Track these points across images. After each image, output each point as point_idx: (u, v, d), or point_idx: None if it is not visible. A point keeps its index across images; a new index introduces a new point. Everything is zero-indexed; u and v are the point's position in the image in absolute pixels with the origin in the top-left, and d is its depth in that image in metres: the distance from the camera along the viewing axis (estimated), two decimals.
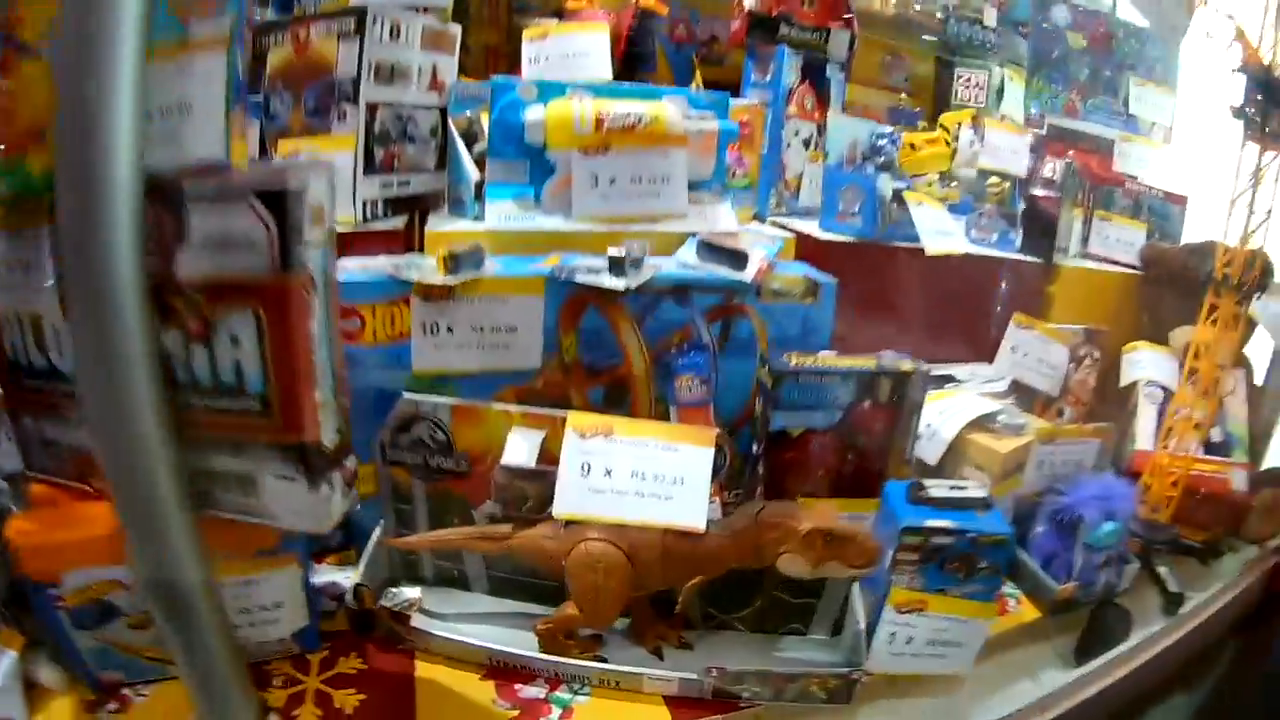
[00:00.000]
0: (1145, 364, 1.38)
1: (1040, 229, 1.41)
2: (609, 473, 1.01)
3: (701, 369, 1.10)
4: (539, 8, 1.53)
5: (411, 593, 1.12)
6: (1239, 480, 1.29)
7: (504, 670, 1.06)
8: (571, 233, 1.14)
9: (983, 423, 1.21)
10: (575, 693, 1.04)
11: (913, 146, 1.39)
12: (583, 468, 1.02)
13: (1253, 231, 1.16)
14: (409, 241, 1.24)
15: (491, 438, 1.07)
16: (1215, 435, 1.32)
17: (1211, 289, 1.20)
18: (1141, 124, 1.66)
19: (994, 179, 1.43)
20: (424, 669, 1.06)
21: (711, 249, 1.11)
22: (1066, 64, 1.59)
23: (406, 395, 1.08)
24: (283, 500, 0.80)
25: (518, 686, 1.04)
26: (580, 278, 1.07)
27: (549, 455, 1.05)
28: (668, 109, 1.16)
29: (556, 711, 1.01)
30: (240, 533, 0.89)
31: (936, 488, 1.06)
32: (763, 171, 1.29)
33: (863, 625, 1.06)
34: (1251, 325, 1.34)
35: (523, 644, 1.06)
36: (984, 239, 1.40)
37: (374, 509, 1.15)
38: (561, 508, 1.01)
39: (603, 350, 1.12)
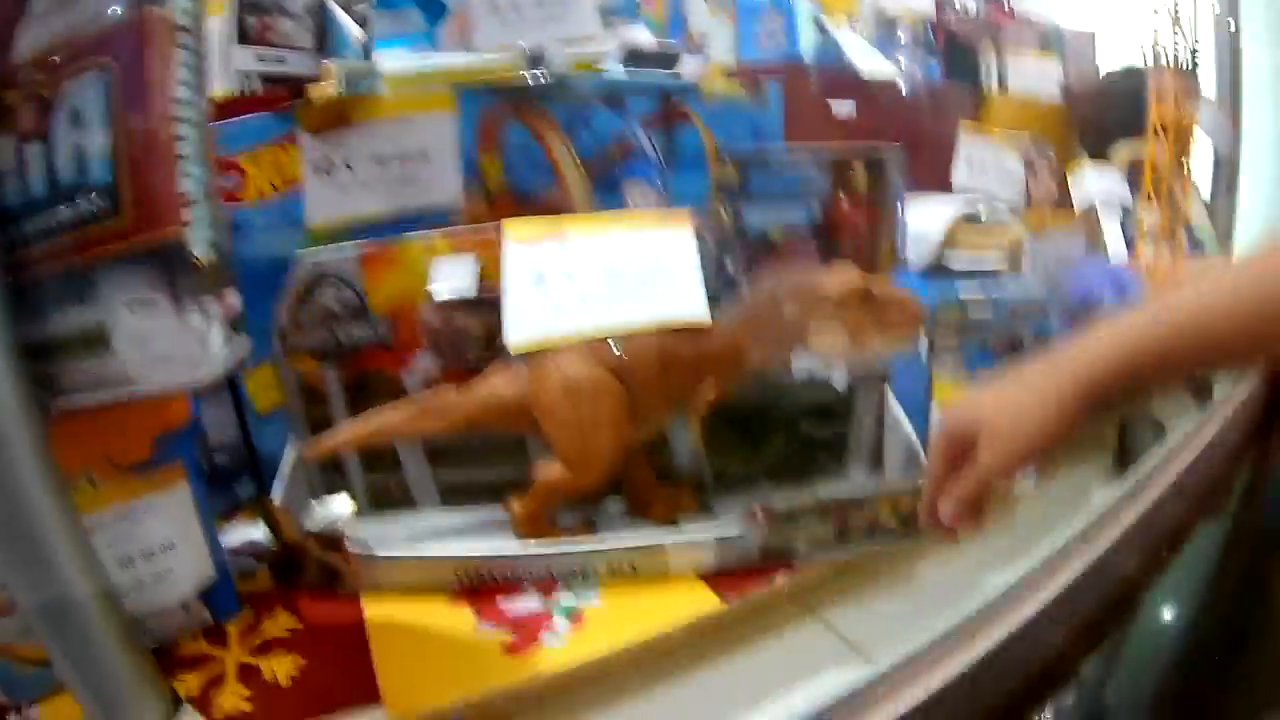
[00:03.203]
0: (1094, 180, 1.20)
1: (962, 58, 1.24)
2: (570, 278, 0.71)
3: (652, 177, 0.84)
4: None
5: (339, 506, 0.76)
6: None
7: (479, 588, 0.73)
8: (477, 67, 0.88)
9: (968, 220, 0.97)
10: (580, 593, 0.72)
11: None
12: (536, 279, 0.72)
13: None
14: None
15: (415, 286, 0.80)
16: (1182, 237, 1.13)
17: (1154, 72, 1.03)
18: None
19: (904, 11, 1.25)
20: (375, 610, 0.72)
21: (636, 54, 0.87)
22: None
23: (301, 254, 0.79)
24: (142, 343, 0.57)
25: (503, 603, 0.71)
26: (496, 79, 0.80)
27: (486, 287, 0.76)
28: None
29: (562, 623, 0.69)
30: (98, 441, 0.64)
31: (956, 260, 0.81)
32: (671, 20, 1.08)
33: (913, 436, 0.78)
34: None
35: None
36: (908, 72, 1.22)
37: (283, 431, 0.83)
38: (517, 335, 0.72)
39: (532, 172, 0.86)
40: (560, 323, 0.72)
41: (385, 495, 0.84)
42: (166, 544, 0.67)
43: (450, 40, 0.92)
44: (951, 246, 0.98)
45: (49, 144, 0.55)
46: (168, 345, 0.57)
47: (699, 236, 0.76)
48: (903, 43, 1.24)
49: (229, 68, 0.91)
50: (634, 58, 0.87)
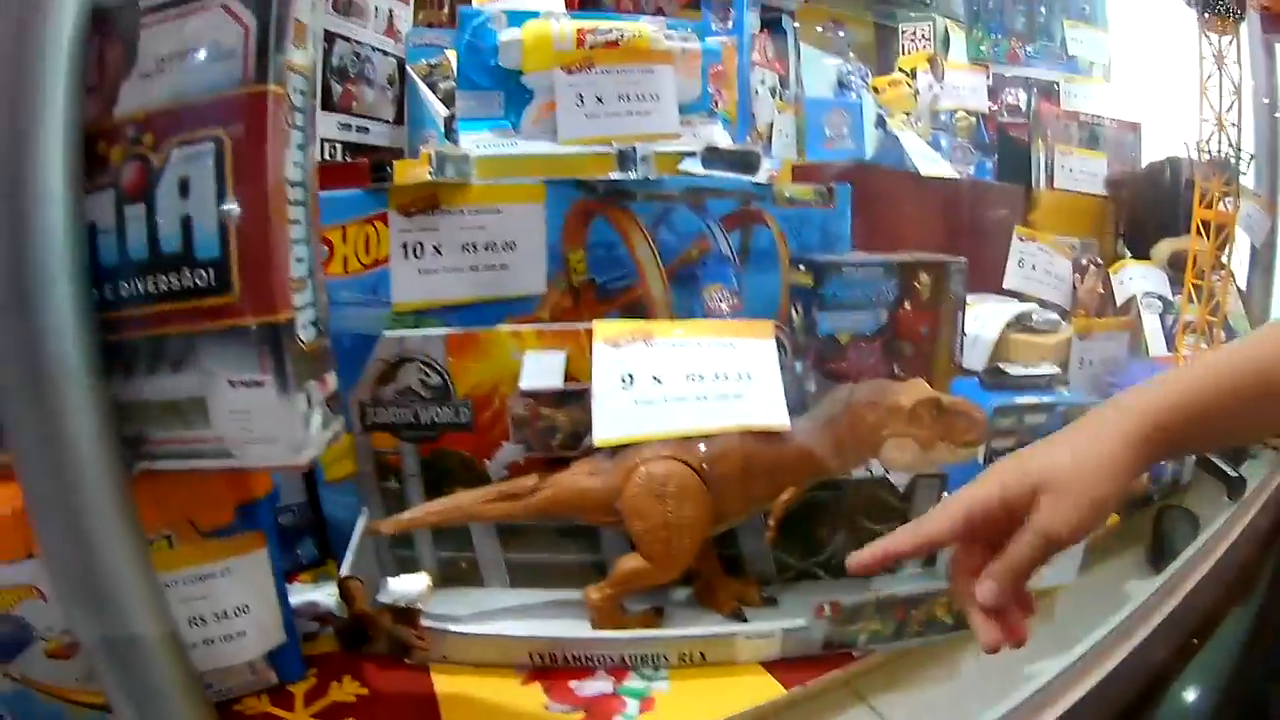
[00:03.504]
0: (1136, 278, 1.27)
1: (1014, 156, 1.31)
2: (658, 380, 0.77)
3: (729, 279, 0.89)
4: None
5: (416, 583, 0.80)
6: None
7: (550, 668, 0.77)
8: (560, 156, 0.94)
9: (1019, 322, 1.04)
10: (650, 678, 0.77)
11: (876, 90, 1.28)
12: (624, 379, 0.77)
13: (1228, 110, 1.07)
14: None
15: (500, 373, 0.83)
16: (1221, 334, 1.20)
17: (1199, 174, 1.09)
18: (1081, 64, 1.65)
19: (960, 113, 1.33)
20: (445, 682, 0.76)
21: (718, 154, 0.93)
22: (1002, 13, 1.55)
23: (388, 334, 0.83)
24: (242, 421, 0.57)
25: (573, 684, 0.76)
26: (586, 177, 0.85)
27: (572, 381, 0.81)
28: (648, 26, 0.99)
29: (633, 705, 0.73)
30: (181, 503, 0.67)
31: (1012, 368, 0.87)
32: (739, 115, 1.15)
33: None
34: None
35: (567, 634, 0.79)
36: (963, 171, 1.29)
37: (353, 501, 0.87)
38: (604, 431, 0.77)
39: (614, 269, 0.91)
40: (647, 422, 0.76)
41: (453, 571, 0.87)
42: (240, 607, 0.70)
43: (533, 126, 0.97)
44: (1004, 349, 1.04)
45: (152, 208, 0.56)
46: (271, 426, 0.58)
47: (778, 343, 0.81)
48: (958, 140, 1.31)
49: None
50: (715, 158, 0.92)
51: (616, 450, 0.77)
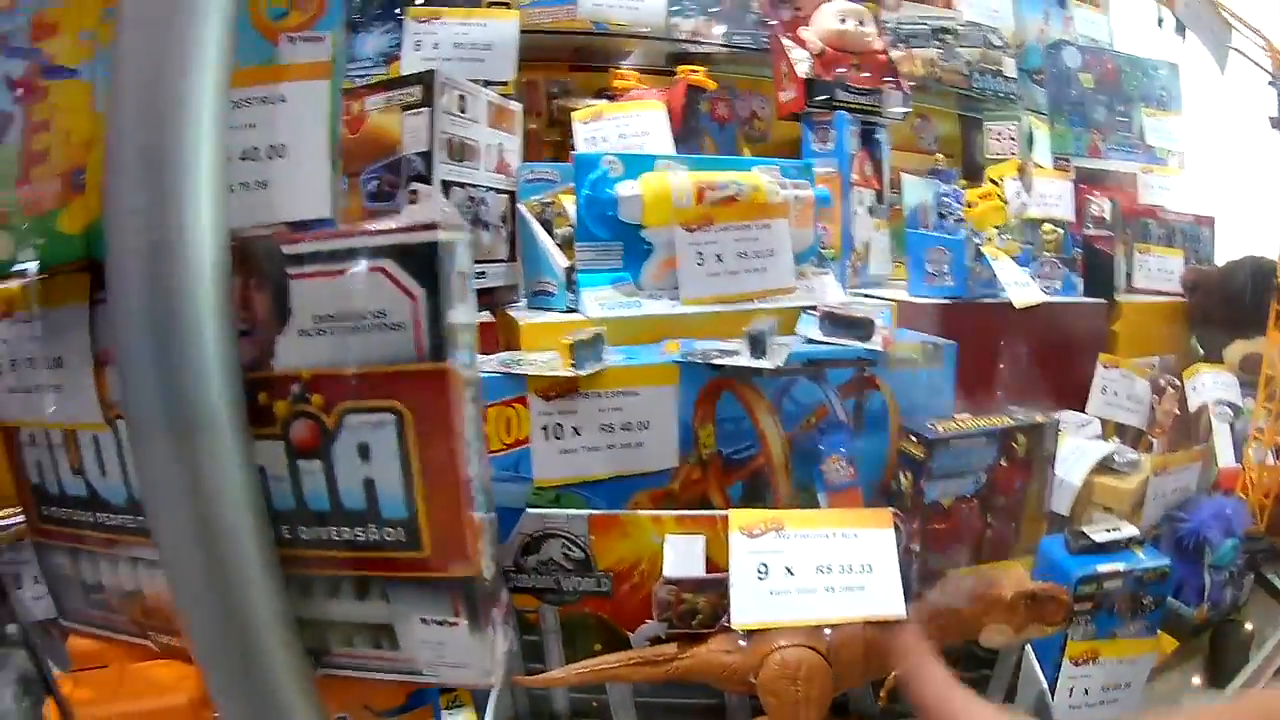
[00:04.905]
0: (1209, 385, 1.41)
1: (1100, 270, 1.43)
2: (790, 571, 0.91)
3: (845, 447, 1.02)
4: (580, 92, 1.46)
5: None
6: None
7: None
8: (682, 316, 1.06)
9: (1102, 464, 1.19)
10: None
11: (969, 204, 1.39)
12: (759, 569, 0.92)
13: None
14: (493, 342, 1.10)
15: (640, 550, 0.97)
16: None
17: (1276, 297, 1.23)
18: (1158, 153, 1.74)
19: (1048, 226, 1.44)
20: None
21: (836, 320, 1.04)
22: (1083, 105, 1.64)
23: (531, 510, 0.96)
24: (435, 649, 0.65)
25: None
26: (718, 361, 0.97)
27: (710, 562, 0.95)
28: (764, 178, 1.10)
29: None
30: (358, 694, 0.79)
31: (1096, 533, 1.04)
32: (843, 242, 1.25)
33: (1045, 684, 1.01)
34: None
35: None
36: (1050, 287, 1.42)
37: None
38: (742, 616, 0.91)
39: (739, 441, 1.04)
40: (781, 610, 0.91)
41: (584, 708, 1.03)
42: None
43: (654, 282, 1.08)
44: (1087, 489, 1.19)
45: (329, 466, 0.60)
46: (462, 655, 0.65)
47: (898, 530, 0.96)
48: (1046, 255, 1.42)
49: None
50: (833, 325, 1.04)
51: (754, 633, 0.93)
